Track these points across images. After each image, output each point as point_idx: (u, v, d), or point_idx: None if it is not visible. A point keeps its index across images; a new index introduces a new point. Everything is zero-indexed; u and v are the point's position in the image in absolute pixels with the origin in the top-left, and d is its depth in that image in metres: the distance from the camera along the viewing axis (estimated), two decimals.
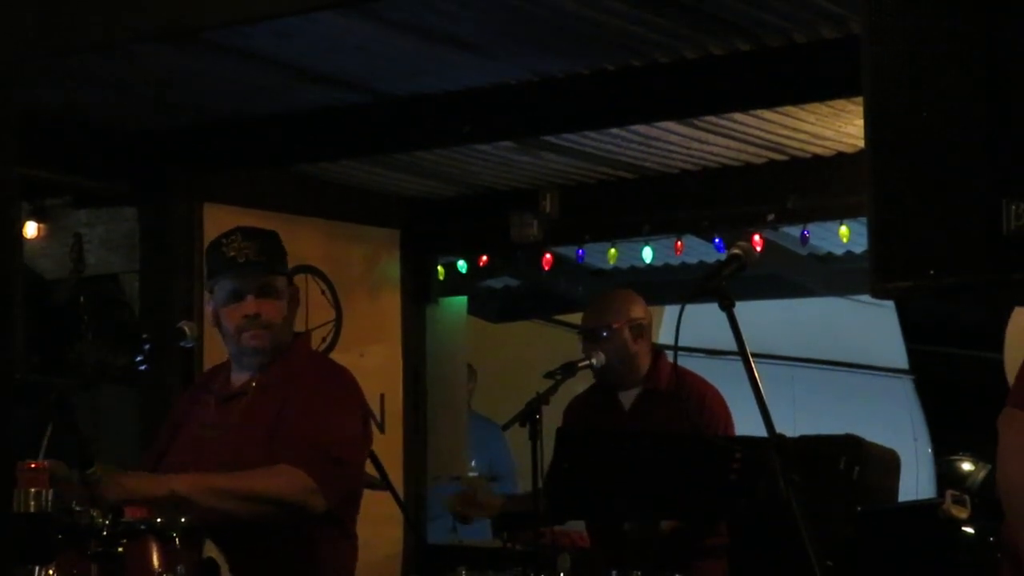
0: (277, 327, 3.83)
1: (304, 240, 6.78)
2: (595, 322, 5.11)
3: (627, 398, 5.16)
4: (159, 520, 3.23)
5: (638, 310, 5.15)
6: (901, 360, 13.05)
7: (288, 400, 3.76)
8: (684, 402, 4.94)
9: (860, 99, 2.55)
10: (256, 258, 3.82)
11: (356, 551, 3.91)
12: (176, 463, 3.80)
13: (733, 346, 3.07)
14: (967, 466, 12.02)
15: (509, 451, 8.03)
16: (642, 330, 5.12)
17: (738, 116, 5.85)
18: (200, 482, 3.54)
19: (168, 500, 3.44)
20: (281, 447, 3.64)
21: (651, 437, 4.61)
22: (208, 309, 3.94)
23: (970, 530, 4.44)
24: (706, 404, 5.00)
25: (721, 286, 3.14)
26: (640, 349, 5.10)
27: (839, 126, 6.06)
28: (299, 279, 4.13)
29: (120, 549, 3.14)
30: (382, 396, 7.31)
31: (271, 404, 3.78)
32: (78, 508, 3.14)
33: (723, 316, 3.11)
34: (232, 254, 3.83)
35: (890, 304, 12.10)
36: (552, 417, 4.78)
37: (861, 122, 2.55)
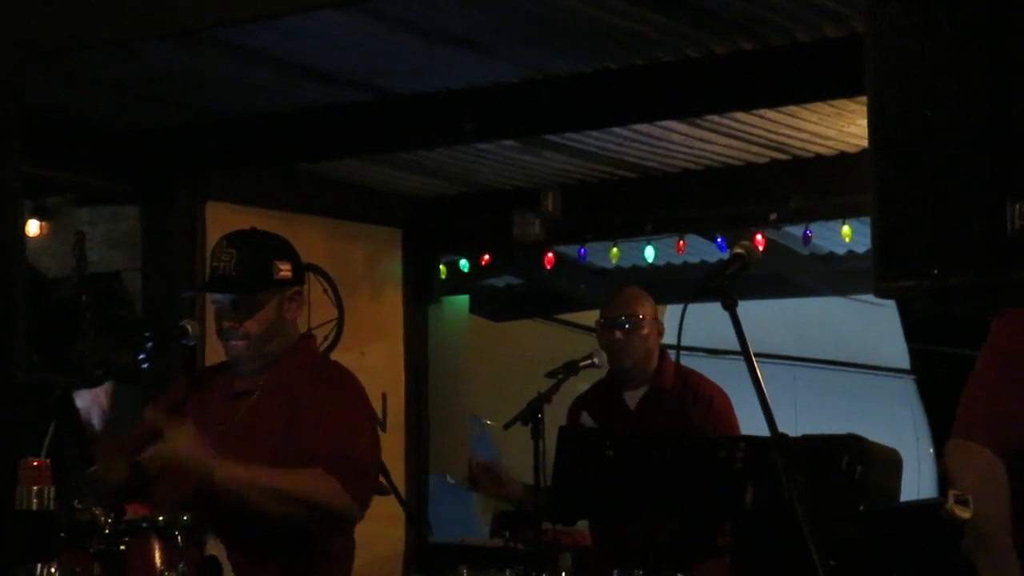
0: (255, 338, 3.80)
1: (306, 239, 6.76)
2: (625, 309, 5.12)
3: (632, 397, 5.17)
4: (161, 518, 3.23)
5: (655, 309, 5.23)
6: (903, 360, 13.05)
7: (300, 404, 3.75)
8: (691, 403, 4.95)
9: (863, 99, 2.55)
10: (230, 273, 3.78)
11: (354, 549, 3.91)
12: None
13: (735, 345, 3.06)
14: None
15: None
16: (660, 328, 5.18)
17: (741, 115, 5.85)
18: (248, 477, 3.56)
19: (207, 484, 3.48)
20: (310, 456, 3.64)
21: (652, 436, 4.61)
22: None
23: None
24: (714, 405, 5.02)
25: (724, 285, 3.13)
26: (656, 346, 5.15)
27: (842, 125, 6.05)
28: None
29: (122, 547, 3.14)
30: (384, 395, 7.31)
31: (279, 405, 3.77)
32: (80, 506, 3.14)
33: (725, 315, 3.10)
34: (214, 263, 3.82)
35: (892, 304, 12.09)
36: (554, 416, 4.77)
37: (864, 121, 2.55)
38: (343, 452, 3.67)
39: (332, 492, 3.61)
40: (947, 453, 2.90)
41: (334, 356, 5.35)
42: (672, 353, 5.26)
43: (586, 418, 5.07)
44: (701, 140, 6.35)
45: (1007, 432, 2.94)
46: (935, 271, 2.40)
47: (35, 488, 3.00)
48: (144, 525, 3.21)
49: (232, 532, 3.50)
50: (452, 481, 5.30)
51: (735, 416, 5.07)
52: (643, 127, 6.06)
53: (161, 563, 3.18)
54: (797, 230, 7.16)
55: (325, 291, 7.06)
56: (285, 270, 3.85)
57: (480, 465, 5.15)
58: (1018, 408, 2.98)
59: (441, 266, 7.91)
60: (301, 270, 3.95)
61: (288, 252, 3.91)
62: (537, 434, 4.51)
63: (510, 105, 5.52)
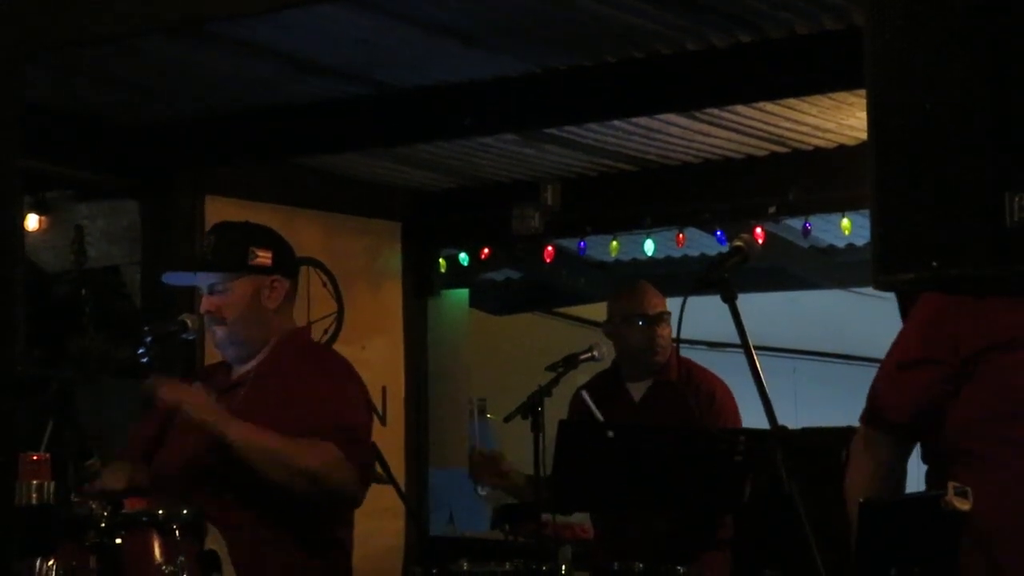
0: (231, 323, 3.83)
1: (305, 232, 6.78)
2: (661, 305, 5.17)
3: (637, 389, 5.17)
4: (160, 512, 3.23)
5: None
6: None
7: (291, 385, 3.76)
8: (694, 396, 4.96)
9: (862, 91, 2.55)
10: (205, 256, 3.86)
11: (352, 543, 3.92)
12: (174, 448, 3.81)
13: (735, 338, 3.06)
14: None
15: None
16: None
17: (740, 108, 5.84)
18: (257, 438, 3.58)
19: (217, 439, 3.53)
20: (310, 429, 3.64)
21: (652, 429, 4.60)
22: None
23: None
24: (717, 399, 5.03)
25: (723, 278, 3.13)
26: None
27: (841, 118, 6.05)
28: (300, 271, 4.09)
29: (118, 540, 3.14)
30: (384, 388, 7.32)
31: (269, 391, 3.79)
32: (76, 499, 3.14)
33: (725, 308, 3.10)
34: (196, 250, 3.89)
35: (892, 296, 12.06)
36: (554, 409, 4.77)
37: (863, 114, 2.55)
38: (342, 424, 3.68)
39: (336, 463, 3.61)
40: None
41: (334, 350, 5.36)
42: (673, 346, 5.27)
43: (587, 397, 5.04)
44: (700, 133, 6.35)
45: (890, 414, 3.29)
46: (934, 263, 2.39)
47: (35, 483, 3.00)
48: (144, 519, 3.21)
49: (232, 526, 3.50)
50: (483, 493, 5.26)
51: (737, 409, 5.07)
52: (642, 120, 6.06)
53: (160, 557, 3.18)
54: (796, 223, 7.16)
55: (325, 285, 7.06)
56: (263, 257, 3.86)
57: (481, 454, 5.14)
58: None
59: (440, 260, 7.91)
60: (286, 261, 3.95)
61: (270, 240, 3.92)
62: (537, 427, 4.51)
63: (509, 99, 5.51)
